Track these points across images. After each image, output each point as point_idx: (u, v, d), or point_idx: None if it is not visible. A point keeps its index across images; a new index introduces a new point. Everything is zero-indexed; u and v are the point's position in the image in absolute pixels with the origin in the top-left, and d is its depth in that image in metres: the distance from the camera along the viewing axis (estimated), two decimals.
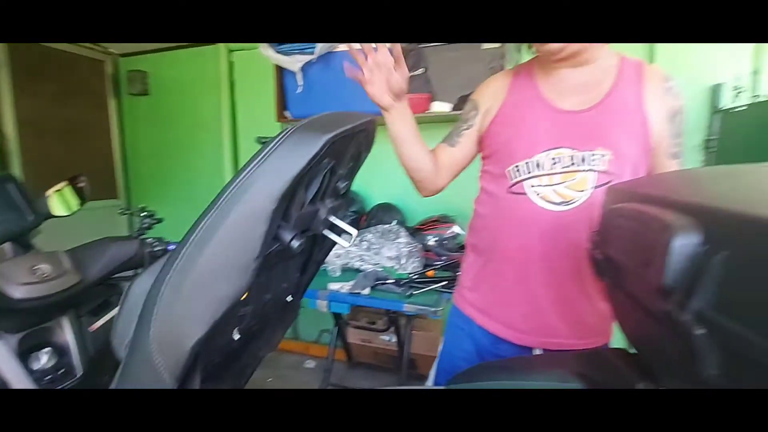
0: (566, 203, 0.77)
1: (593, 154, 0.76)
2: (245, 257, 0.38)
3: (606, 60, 0.80)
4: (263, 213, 0.37)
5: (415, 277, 1.54)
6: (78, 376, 0.78)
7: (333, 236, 0.57)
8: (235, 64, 2.45)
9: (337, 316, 1.87)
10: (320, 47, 1.76)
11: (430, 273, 1.58)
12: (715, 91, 1.70)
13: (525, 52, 0.89)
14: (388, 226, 1.81)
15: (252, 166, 0.38)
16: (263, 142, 1.60)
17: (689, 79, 1.74)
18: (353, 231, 0.57)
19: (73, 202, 0.90)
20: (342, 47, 1.84)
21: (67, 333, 0.78)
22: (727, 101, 1.64)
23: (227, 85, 2.43)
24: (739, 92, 1.59)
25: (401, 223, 1.92)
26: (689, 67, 1.74)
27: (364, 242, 1.74)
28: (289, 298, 0.69)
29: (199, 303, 0.38)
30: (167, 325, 0.38)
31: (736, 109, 1.59)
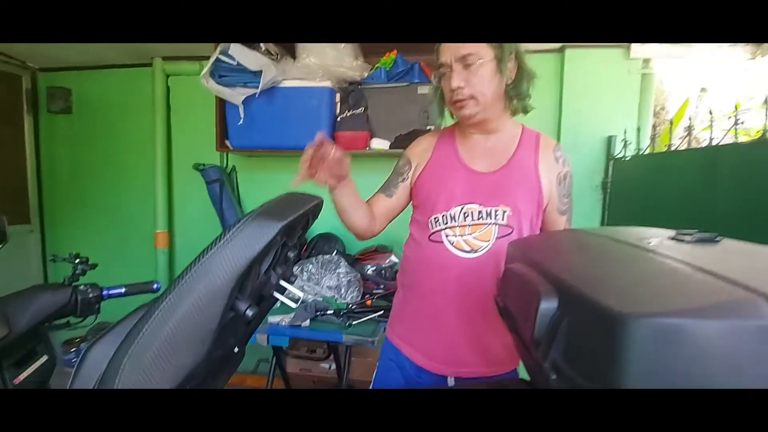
0: (474, 251, 0.91)
1: (496, 210, 0.91)
2: (205, 329, 0.43)
3: (510, 130, 0.97)
4: (223, 291, 0.43)
5: (354, 307, 1.62)
6: None
7: (281, 297, 0.64)
8: (172, 88, 2.39)
9: (275, 348, 1.87)
10: (263, 82, 1.81)
11: (368, 302, 1.67)
12: (610, 141, 2.02)
13: (447, 115, 1.04)
14: (328, 256, 1.88)
15: (214, 249, 0.44)
16: (201, 169, 1.64)
17: (591, 129, 2.06)
18: (299, 293, 0.64)
19: None
20: (285, 83, 1.91)
21: None
22: (619, 150, 1.97)
23: (163, 109, 2.36)
24: (626, 144, 1.91)
25: (341, 252, 1.99)
26: (591, 119, 2.06)
27: (305, 272, 1.78)
28: (236, 349, 0.73)
29: (159, 373, 0.42)
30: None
31: (624, 158, 1.91)
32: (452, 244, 0.92)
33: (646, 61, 1.98)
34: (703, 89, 2.67)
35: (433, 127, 1.03)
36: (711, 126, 1.30)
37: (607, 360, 0.38)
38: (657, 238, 0.56)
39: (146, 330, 0.42)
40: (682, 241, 0.53)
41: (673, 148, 1.52)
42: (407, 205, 1.06)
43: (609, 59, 2.00)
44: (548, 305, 0.49)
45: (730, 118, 1.24)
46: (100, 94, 2.52)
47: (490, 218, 0.91)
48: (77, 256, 0.91)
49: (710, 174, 1.29)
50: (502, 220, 0.91)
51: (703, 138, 1.75)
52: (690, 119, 1.39)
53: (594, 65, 2.01)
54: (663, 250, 0.49)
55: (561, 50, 2.05)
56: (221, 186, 2.23)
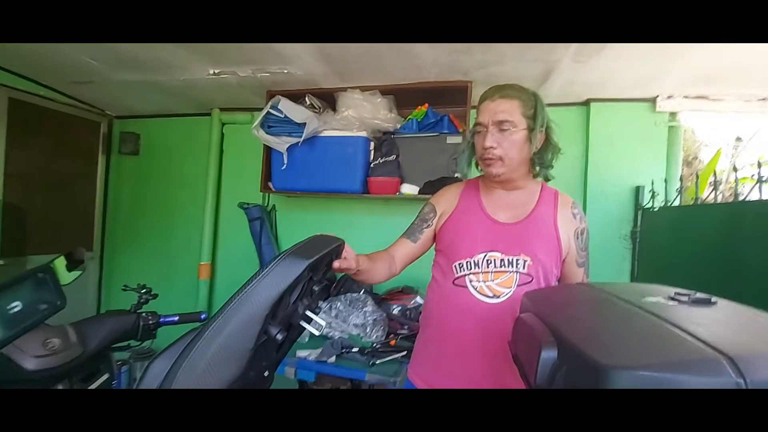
0: (496, 297, 0.97)
1: (518, 259, 0.97)
2: (243, 348, 0.53)
3: (531, 187, 1.06)
4: (258, 317, 0.53)
5: (378, 346, 1.67)
6: None
7: (307, 326, 0.73)
8: (226, 135, 2.67)
9: (300, 383, 1.93)
10: (306, 132, 2.00)
11: (393, 342, 1.71)
12: (638, 191, 2.04)
13: (473, 167, 1.14)
14: (356, 294, 1.96)
15: (253, 282, 0.54)
16: (245, 207, 1.82)
17: (619, 180, 2.09)
18: (323, 322, 0.73)
19: (68, 274, 1.01)
20: (325, 133, 2.10)
21: None
22: (647, 201, 1.97)
23: (217, 153, 2.63)
24: (654, 195, 1.92)
25: (368, 291, 2.07)
26: (618, 169, 2.09)
27: (333, 310, 1.87)
28: (266, 373, 0.82)
29: (207, 383, 0.52)
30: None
31: (653, 209, 1.91)
32: (476, 289, 0.98)
33: (673, 114, 2.02)
34: (738, 139, 2.63)
35: (459, 175, 1.12)
36: (735, 181, 1.32)
37: None
38: (656, 296, 0.61)
39: (198, 347, 0.52)
40: (679, 301, 0.58)
41: (705, 200, 1.53)
42: (428, 250, 1.14)
43: (634, 112, 2.05)
44: (548, 354, 0.55)
45: (753, 174, 1.26)
46: (163, 139, 2.85)
47: (512, 266, 0.97)
48: (144, 286, 1.05)
49: (735, 228, 1.30)
50: (523, 268, 0.97)
51: (740, 188, 1.74)
52: (715, 173, 1.41)
53: (619, 117, 2.07)
54: (656, 309, 0.55)
55: (586, 103, 2.13)
56: (261, 224, 2.41)
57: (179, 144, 2.81)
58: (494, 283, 0.97)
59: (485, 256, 0.99)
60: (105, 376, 1.00)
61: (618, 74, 1.83)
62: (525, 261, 0.97)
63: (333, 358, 1.57)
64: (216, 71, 2.05)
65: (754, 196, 1.21)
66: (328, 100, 2.21)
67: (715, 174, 1.42)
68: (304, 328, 0.78)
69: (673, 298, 0.59)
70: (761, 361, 0.40)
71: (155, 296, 1.05)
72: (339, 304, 1.89)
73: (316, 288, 0.74)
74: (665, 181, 1.95)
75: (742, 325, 0.51)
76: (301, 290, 0.68)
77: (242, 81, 2.15)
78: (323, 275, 0.79)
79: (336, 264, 0.89)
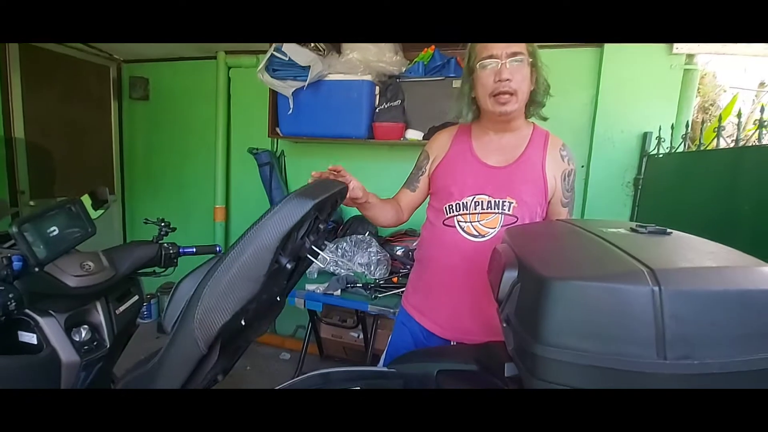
0: (482, 236, 1.04)
1: (503, 201, 1.03)
2: (258, 273, 0.62)
3: (523, 129, 1.08)
4: (271, 246, 0.61)
5: (381, 282, 1.80)
6: (107, 347, 1.01)
7: (313, 259, 0.82)
8: (233, 79, 2.66)
9: (311, 313, 2.11)
10: (310, 76, 2.00)
11: (395, 279, 1.84)
12: (645, 138, 2.02)
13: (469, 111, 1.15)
14: (361, 236, 2.07)
15: (266, 217, 0.62)
16: (254, 153, 1.93)
17: (627, 126, 2.06)
18: (327, 257, 0.82)
19: (93, 212, 1.11)
20: (330, 77, 2.09)
21: (100, 314, 1.01)
22: (653, 148, 1.96)
23: (224, 98, 2.65)
24: (660, 141, 1.90)
25: (373, 234, 2.18)
26: (627, 115, 2.05)
27: (339, 249, 1.99)
28: (278, 298, 0.94)
29: (227, 300, 0.62)
30: (206, 312, 0.62)
31: (658, 156, 1.90)
32: (463, 229, 1.05)
33: (690, 56, 1.93)
34: (762, 84, 2.52)
35: (461, 121, 1.12)
36: (738, 126, 1.31)
37: (535, 309, 0.52)
38: (618, 228, 0.68)
39: (220, 270, 0.61)
40: (638, 232, 0.65)
41: (707, 147, 1.53)
42: (428, 194, 1.20)
43: (650, 54, 1.97)
44: (510, 274, 0.63)
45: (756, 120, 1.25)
46: (172, 84, 2.86)
47: (498, 208, 1.03)
48: (163, 220, 1.16)
49: (735, 174, 1.31)
50: (508, 210, 1.02)
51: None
52: (720, 118, 1.39)
53: (634, 60, 1.99)
54: (611, 237, 0.61)
55: (601, 45, 2.05)
56: (271, 168, 2.49)
57: (188, 89, 2.83)
58: (480, 223, 1.04)
59: (473, 198, 1.04)
60: (135, 298, 1.14)
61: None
62: (511, 203, 1.02)
63: (338, 292, 1.71)
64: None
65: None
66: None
67: (720, 119, 1.41)
68: (311, 262, 0.88)
69: (633, 230, 0.66)
70: (678, 273, 0.47)
71: (174, 229, 1.16)
72: (345, 244, 2.01)
73: (321, 226, 0.82)
74: (672, 127, 1.92)
75: (680, 249, 0.58)
76: (308, 227, 0.76)
77: None
78: (328, 216, 0.87)
79: (349, 194, 0.98)
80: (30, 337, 0.90)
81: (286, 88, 2.09)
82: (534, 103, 1.05)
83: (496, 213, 1.03)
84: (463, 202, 1.05)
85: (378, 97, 2.13)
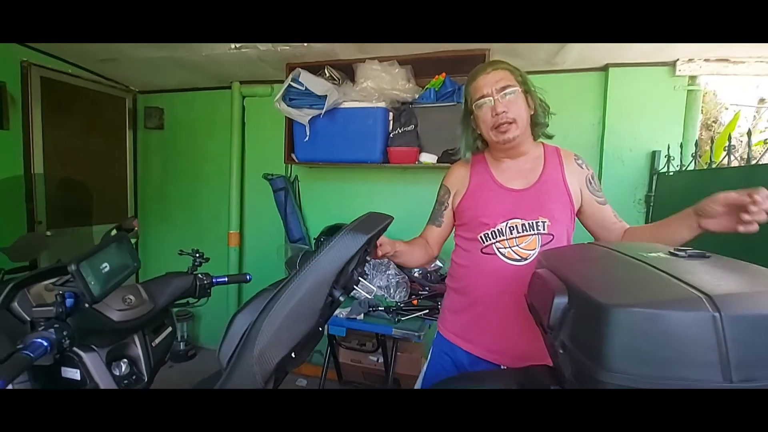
0: (524, 260, 1.05)
1: (537, 222, 1.05)
2: (314, 307, 0.64)
3: (534, 151, 1.12)
4: (328, 281, 0.64)
5: (402, 305, 1.81)
6: (146, 381, 1.01)
7: (359, 290, 0.85)
8: (247, 108, 2.74)
9: (330, 338, 2.10)
10: (327, 105, 2.06)
11: (415, 302, 1.85)
12: (654, 156, 2.06)
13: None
14: (378, 259, 2.09)
15: (322, 252, 0.65)
16: (269, 178, 1.98)
17: (635, 144, 2.11)
18: (372, 288, 0.84)
19: None
20: (345, 104, 2.16)
21: (138, 348, 1.02)
22: (662, 165, 2.00)
23: (239, 126, 2.71)
24: (670, 159, 1.95)
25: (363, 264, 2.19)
26: (635, 134, 2.11)
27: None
28: (320, 328, 0.95)
29: (286, 335, 0.63)
30: (264, 348, 0.63)
31: (668, 174, 1.94)
32: (504, 255, 1.06)
33: (692, 78, 2.00)
34: (761, 100, 2.59)
35: (463, 159, 1.16)
36: (749, 145, 1.35)
37: (596, 336, 0.54)
38: (657, 252, 0.70)
39: (278, 306, 0.63)
40: (677, 256, 0.67)
41: (719, 164, 1.56)
42: (453, 227, 1.22)
43: (654, 76, 2.04)
44: (560, 300, 0.65)
45: (764, 135, 1.29)
46: (187, 113, 2.94)
47: (533, 229, 1.05)
48: (197, 251, 1.18)
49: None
50: (543, 230, 1.04)
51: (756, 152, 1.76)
52: (730, 137, 1.44)
53: (638, 83, 2.06)
54: (654, 262, 0.64)
55: (605, 68, 2.12)
56: (286, 194, 2.53)
57: (202, 117, 2.90)
58: (520, 247, 1.05)
59: (507, 224, 1.06)
60: (169, 329, 1.15)
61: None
62: (544, 222, 1.04)
63: (361, 316, 1.71)
64: (237, 45, 2.10)
65: (766, 160, 1.25)
66: (346, 71, 2.25)
67: (729, 138, 1.45)
68: (353, 291, 0.90)
69: (672, 253, 0.68)
70: (734, 298, 0.49)
71: (207, 259, 1.18)
72: (361, 278, 2.02)
73: (367, 258, 0.85)
74: (681, 146, 1.96)
75: (726, 273, 0.60)
76: (357, 260, 0.78)
77: (262, 54, 2.20)
78: (373, 246, 0.89)
79: (379, 252, 1.01)
80: (74, 373, 0.91)
81: (303, 116, 2.15)
82: (537, 125, 1.10)
83: (532, 234, 1.05)
84: (498, 229, 1.07)
85: (392, 122, 2.19)
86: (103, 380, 0.93)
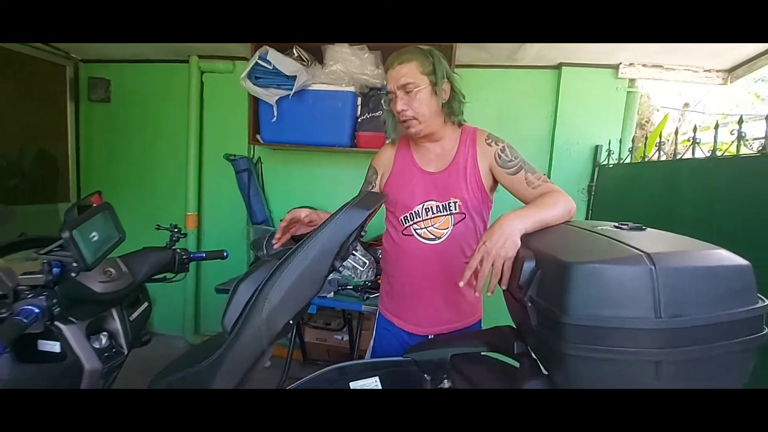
0: (438, 239, 1.14)
1: (449, 203, 1.12)
2: (320, 274, 0.69)
3: (451, 134, 1.17)
4: (333, 251, 0.69)
5: (369, 284, 1.89)
6: (125, 354, 1.01)
7: (353, 262, 0.91)
8: (206, 84, 2.63)
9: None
10: (296, 85, 2.06)
11: (380, 281, 1.94)
12: (597, 150, 2.30)
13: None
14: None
15: (327, 226, 0.70)
16: (231, 159, 2.00)
17: (581, 138, 2.33)
18: (365, 259, 0.91)
19: None
20: (314, 86, 2.16)
21: (116, 321, 1.00)
22: (603, 158, 2.24)
23: (196, 102, 2.60)
24: (609, 153, 2.18)
25: (358, 239, 2.26)
26: (581, 129, 2.33)
27: None
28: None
29: (293, 300, 0.68)
30: (273, 311, 0.68)
31: (608, 166, 2.18)
32: (420, 235, 1.14)
33: (632, 80, 2.25)
34: (686, 104, 2.94)
35: (389, 141, 1.23)
36: (674, 141, 1.57)
37: (560, 289, 0.65)
38: (606, 226, 0.83)
39: (286, 273, 0.68)
40: (620, 228, 0.80)
41: (650, 159, 1.80)
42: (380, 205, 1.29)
43: (600, 77, 2.27)
44: (529, 264, 0.76)
45: (688, 135, 1.52)
46: (137, 86, 2.75)
47: (446, 210, 1.13)
48: (176, 226, 1.17)
49: (671, 182, 1.57)
50: (455, 209, 1.12)
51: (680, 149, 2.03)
52: (660, 135, 1.66)
53: (587, 81, 2.28)
54: (605, 232, 0.77)
55: (558, 67, 2.31)
56: (249, 175, 2.49)
57: (155, 92, 2.74)
58: (435, 227, 1.14)
59: (423, 205, 1.14)
60: (145, 305, 1.14)
61: (588, 43, 2.00)
62: (456, 202, 1.12)
63: (331, 294, 1.77)
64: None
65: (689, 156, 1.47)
66: (314, 53, 2.24)
67: (660, 136, 1.67)
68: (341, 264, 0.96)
69: (617, 227, 0.82)
70: (665, 255, 0.62)
71: (185, 235, 1.17)
72: (356, 253, 2.07)
73: (362, 233, 0.91)
74: (619, 141, 2.21)
75: (659, 239, 0.74)
76: (356, 234, 0.84)
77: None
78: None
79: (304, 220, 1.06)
80: (52, 346, 0.89)
81: (270, 96, 2.12)
82: (451, 113, 1.12)
83: (446, 215, 1.13)
84: (415, 211, 1.15)
85: (360, 107, 2.23)
86: (84, 352, 0.92)
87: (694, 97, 2.87)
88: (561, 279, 0.65)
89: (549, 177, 2.36)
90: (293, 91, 2.06)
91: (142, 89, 2.76)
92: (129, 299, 1.07)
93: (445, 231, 1.12)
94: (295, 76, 2.04)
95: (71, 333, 0.90)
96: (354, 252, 0.93)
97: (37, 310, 0.71)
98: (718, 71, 2.13)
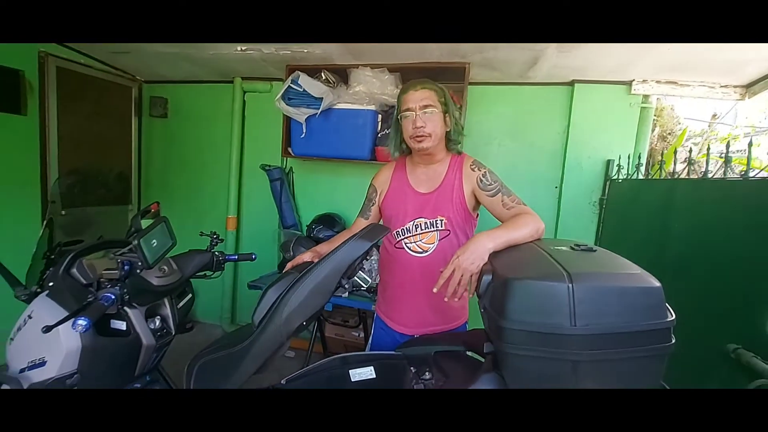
0: (425, 252, 1.29)
1: (436, 221, 1.28)
2: (328, 288, 0.89)
3: (445, 159, 1.32)
4: (339, 272, 0.89)
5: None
6: (173, 334, 1.27)
7: (359, 280, 1.11)
8: (247, 103, 2.95)
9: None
10: (323, 106, 2.30)
11: None
12: (608, 164, 2.36)
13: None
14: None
15: (338, 251, 0.89)
16: (266, 169, 2.32)
17: (593, 153, 2.40)
18: (370, 279, 1.11)
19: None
20: (339, 105, 2.39)
21: (167, 308, 1.27)
22: (614, 173, 2.30)
23: (239, 118, 2.93)
24: (620, 168, 2.24)
25: (374, 245, 2.46)
26: (594, 144, 2.39)
27: None
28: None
29: (307, 306, 0.88)
30: (291, 313, 0.89)
31: (618, 180, 2.24)
32: (410, 249, 1.31)
33: (646, 96, 2.29)
34: (714, 116, 2.89)
35: (391, 158, 1.41)
36: (688, 160, 1.61)
37: (502, 298, 0.81)
38: (563, 246, 0.98)
39: (303, 285, 0.88)
40: (574, 249, 0.95)
41: (665, 175, 1.85)
42: (379, 221, 1.45)
43: (613, 93, 2.32)
44: (487, 277, 0.93)
45: (688, 154, 1.58)
46: (190, 104, 3.13)
47: (433, 227, 1.28)
48: (215, 233, 1.43)
49: (668, 200, 1.64)
50: (441, 226, 1.27)
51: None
52: (675, 151, 1.72)
53: (599, 97, 2.34)
54: (553, 253, 0.91)
55: (571, 84, 2.39)
56: (281, 184, 2.77)
57: (204, 109, 3.10)
58: (422, 242, 1.30)
59: (414, 222, 1.30)
60: (189, 296, 1.41)
61: (599, 61, 2.08)
62: (442, 220, 1.28)
63: (346, 294, 1.98)
64: (243, 48, 2.31)
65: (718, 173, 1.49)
66: (341, 75, 2.48)
67: (675, 152, 1.73)
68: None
69: (572, 248, 0.96)
70: (583, 276, 0.77)
71: (222, 240, 1.43)
72: (362, 272, 2.29)
73: (368, 257, 1.11)
74: (629, 156, 2.25)
75: (592, 260, 0.88)
76: (361, 259, 1.04)
77: (265, 56, 2.42)
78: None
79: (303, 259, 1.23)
80: (120, 324, 1.16)
81: (300, 114, 2.38)
82: (450, 141, 1.29)
83: (432, 231, 1.29)
84: (407, 227, 1.31)
85: (380, 124, 2.43)
86: (143, 331, 1.19)
87: (721, 107, 2.81)
88: (503, 290, 0.82)
89: (560, 190, 2.46)
90: (320, 110, 2.30)
91: (193, 106, 3.13)
92: (177, 291, 1.34)
93: (431, 246, 1.29)
94: (322, 98, 2.28)
95: (134, 315, 1.17)
96: (366, 259, 1.13)
97: (113, 297, 0.97)
98: (735, 87, 2.13)
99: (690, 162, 1.58)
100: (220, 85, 2.97)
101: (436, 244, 1.29)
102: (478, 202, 1.30)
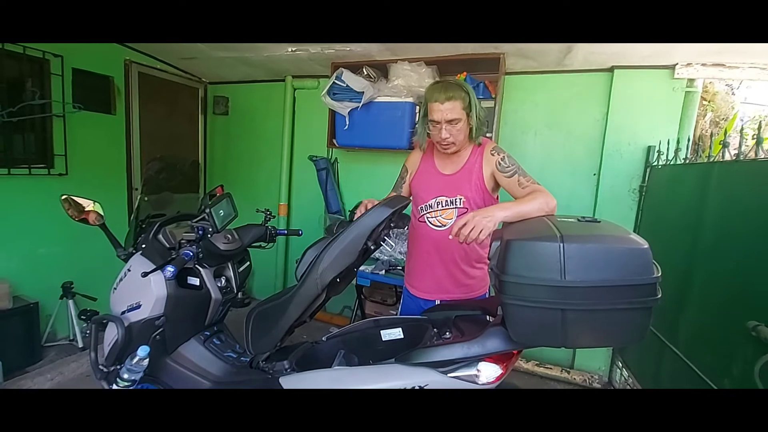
0: (443, 226, 1.44)
1: (455, 199, 1.42)
2: (355, 249, 1.08)
3: (467, 147, 1.44)
4: (364, 235, 1.07)
5: None
6: (235, 293, 1.53)
7: (383, 245, 1.28)
8: (297, 99, 3.22)
9: (359, 290, 2.59)
10: (364, 99, 2.49)
11: None
12: (649, 151, 2.32)
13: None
14: (401, 230, 2.52)
15: (363, 216, 1.08)
16: (313, 159, 2.61)
17: (632, 140, 2.37)
18: (393, 243, 1.28)
19: None
20: (379, 99, 2.57)
21: (230, 271, 1.53)
22: (654, 159, 2.26)
23: (290, 114, 3.21)
24: (659, 154, 2.20)
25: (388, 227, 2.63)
26: (634, 130, 2.37)
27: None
28: (355, 269, 1.40)
29: (337, 263, 1.07)
30: (324, 269, 1.08)
31: (658, 167, 2.21)
32: (431, 223, 1.46)
33: (691, 80, 2.22)
34: None
35: (419, 148, 1.56)
36: (740, 141, 1.58)
37: (503, 258, 0.94)
38: (570, 219, 1.08)
39: (333, 246, 1.07)
40: (580, 220, 1.05)
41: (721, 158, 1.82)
42: (410, 196, 1.58)
43: (655, 78, 2.28)
44: (496, 242, 1.06)
45: (721, 140, 1.56)
46: (247, 102, 3.47)
47: (452, 204, 1.42)
48: (268, 210, 1.67)
49: (704, 184, 1.64)
50: (460, 204, 1.41)
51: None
52: (725, 134, 1.65)
53: (640, 83, 2.31)
54: (559, 224, 1.02)
55: (611, 70, 2.38)
56: (327, 173, 3.00)
57: (260, 106, 3.42)
58: (442, 217, 1.44)
59: (435, 199, 1.44)
60: (248, 263, 1.66)
61: (638, 45, 2.06)
62: (461, 198, 1.41)
63: (383, 272, 2.17)
64: (293, 49, 2.56)
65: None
66: (381, 69, 2.65)
67: (725, 135, 1.67)
68: (379, 247, 1.34)
69: (578, 220, 1.06)
70: (573, 238, 0.88)
71: (274, 216, 1.67)
72: (388, 239, 2.48)
73: (392, 224, 1.29)
74: (668, 142, 2.20)
75: (593, 228, 0.97)
76: (385, 224, 1.22)
77: (312, 56, 2.65)
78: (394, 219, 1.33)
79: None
80: (194, 281, 1.43)
81: (343, 108, 2.59)
82: (473, 135, 1.40)
83: (452, 208, 1.42)
84: (429, 204, 1.46)
85: (418, 115, 2.57)
86: (212, 287, 1.45)
87: None
88: (504, 250, 0.95)
89: (598, 178, 2.46)
90: (361, 104, 2.50)
91: (250, 104, 3.47)
92: (238, 257, 1.59)
93: (450, 221, 1.43)
94: (363, 92, 2.47)
95: (205, 273, 1.43)
96: (391, 227, 1.30)
97: (191, 254, 1.22)
98: None
99: (725, 145, 1.57)
100: (274, 84, 3.27)
101: (454, 219, 1.43)
102: (497, 184, 1.41)
